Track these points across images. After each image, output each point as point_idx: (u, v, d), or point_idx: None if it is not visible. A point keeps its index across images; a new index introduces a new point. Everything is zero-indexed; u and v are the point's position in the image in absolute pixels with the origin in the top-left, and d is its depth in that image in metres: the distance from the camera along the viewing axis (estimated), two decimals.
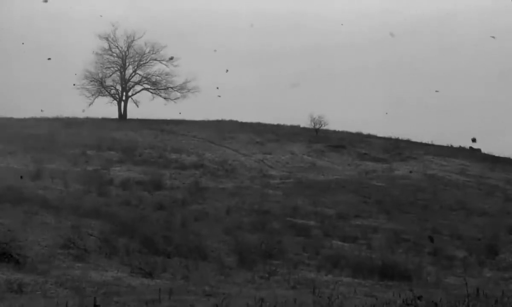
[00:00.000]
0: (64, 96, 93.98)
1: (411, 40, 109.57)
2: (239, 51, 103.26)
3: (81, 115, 67.95)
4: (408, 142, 65.33)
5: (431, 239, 23.78)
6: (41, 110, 67.26)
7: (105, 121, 67.23)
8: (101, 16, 73.48)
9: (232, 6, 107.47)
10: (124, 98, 72.73)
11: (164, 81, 72.54)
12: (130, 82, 73.06)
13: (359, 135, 67.57)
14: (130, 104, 72.90)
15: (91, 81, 71.48)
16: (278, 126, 69.44)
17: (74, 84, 65.50)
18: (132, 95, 73.08)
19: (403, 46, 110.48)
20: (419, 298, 13.70)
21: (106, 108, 73.57)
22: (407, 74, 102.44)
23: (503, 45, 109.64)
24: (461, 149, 64.46)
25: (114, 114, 72.29)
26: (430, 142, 66.17)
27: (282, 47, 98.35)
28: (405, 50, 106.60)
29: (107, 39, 71.88)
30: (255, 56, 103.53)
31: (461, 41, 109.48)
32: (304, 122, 67.85)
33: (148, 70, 73.07)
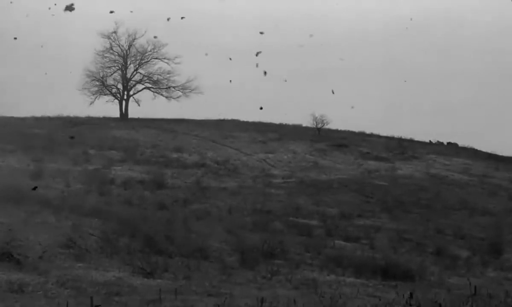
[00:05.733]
0: (66, 95, 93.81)
1: (413, 39, 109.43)
2: (240, 49, 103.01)
3: (82, 114, 67.82)
4: (411, 141, 65.17)
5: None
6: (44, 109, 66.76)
7: (106, 120, 67.10)
8: (111, 12, 72.73)
9: (233, 4, 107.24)
10: (125, 97, 72.55)
11: (166, 80, 72.35)
12: (131, 81, 72.88)
13: (361, 134, 67.42)
14: (131, 103, 72.79)
15: (92, 80, 71.33)
16: (280, 125, 69.28)
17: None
18: (134, 94, 72.93)
19: (405, 45, 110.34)
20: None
21: (107, 107, 73.43)
22: (409, 73, 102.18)
23: (503, 45, 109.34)
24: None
25: (116, 113, 72.19)
26: (433, 141, 66.03)
27: (283, 45, 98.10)
28: (406, 49, 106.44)
29: (108, 37, 71.73)
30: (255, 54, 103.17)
31: (462, 40, 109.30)
32: (306, 121, 67.68)
33: (149, 69, 72.91)
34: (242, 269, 20.22)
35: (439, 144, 66.23)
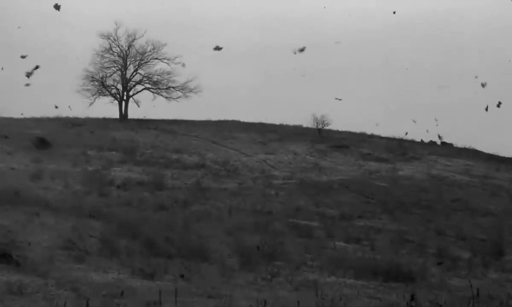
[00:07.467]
0: (65, 96, 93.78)
1: (414, 39, 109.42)
2: (240, 48, 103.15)
3: (81, 115, 67.75)
4: (412, 142, 65.07)
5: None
6: (56, 107, 66.54)
7: (106, 121, 67.04)
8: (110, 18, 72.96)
9: (233, 4, 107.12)
10: (125, 98, 72.46)
11: (166, 80, 72.28)
12: (131, 82, 72.77)
13: (362, 135, 67.32)
14: (131, 104, 72.69)
15: (91, 81, 71.21)
16: (280, 126, 69.18)
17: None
18: (133, 95, 72.83)
19: (406, 44, 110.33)
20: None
21: (107, 108, 73.36)
22: (410, 73, 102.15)
23: (503, 45, 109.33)
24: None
25: (115, 114, 72.11)
26: (434, 141, 65.94)
27: (284, 45, 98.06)
28: (407, 49, 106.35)
29: (108, 38, 71.63)
30: (256, 54, 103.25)
31: (463, 40, 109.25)
32: (307, 122, 67.58)
33: (149, 70, 72.83)
34: (242, 271, 20.12)
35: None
